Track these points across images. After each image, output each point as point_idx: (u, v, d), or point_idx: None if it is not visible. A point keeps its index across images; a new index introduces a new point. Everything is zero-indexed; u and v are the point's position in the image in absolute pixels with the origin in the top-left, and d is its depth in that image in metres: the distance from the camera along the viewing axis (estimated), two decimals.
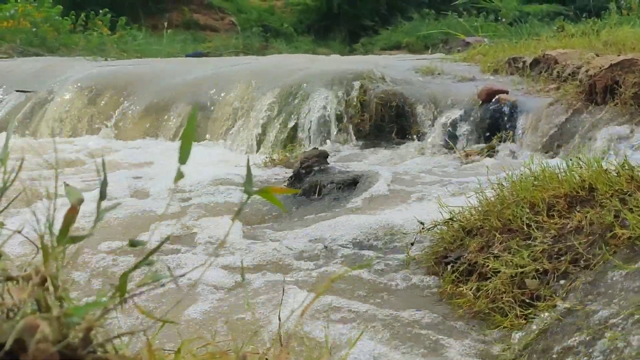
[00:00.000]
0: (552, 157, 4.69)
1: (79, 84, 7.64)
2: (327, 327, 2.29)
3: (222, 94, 6.89)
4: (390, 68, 7.16)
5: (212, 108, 6.75)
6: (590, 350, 2.07)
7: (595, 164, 2.94)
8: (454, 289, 2.75)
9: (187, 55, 12.30)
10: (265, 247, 3.30)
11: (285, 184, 4.55)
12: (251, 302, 2.50)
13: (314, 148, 5.04)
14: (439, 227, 3.18)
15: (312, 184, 4.39)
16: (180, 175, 1.03)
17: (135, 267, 1.07)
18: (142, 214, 3.96)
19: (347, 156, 5.59)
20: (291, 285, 2.73)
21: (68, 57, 11.60)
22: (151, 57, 11.21)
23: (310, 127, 5.99)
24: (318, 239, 3.44)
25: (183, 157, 1.01)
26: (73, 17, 13.81)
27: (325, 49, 16.62)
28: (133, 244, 1.15)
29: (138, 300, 1.20)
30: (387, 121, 6.03)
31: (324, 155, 4.62)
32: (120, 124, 7.02)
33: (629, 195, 2.67)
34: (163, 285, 1.07)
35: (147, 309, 2.44)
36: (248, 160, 1.24)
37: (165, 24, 14.59)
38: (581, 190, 2.81)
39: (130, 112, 7.10)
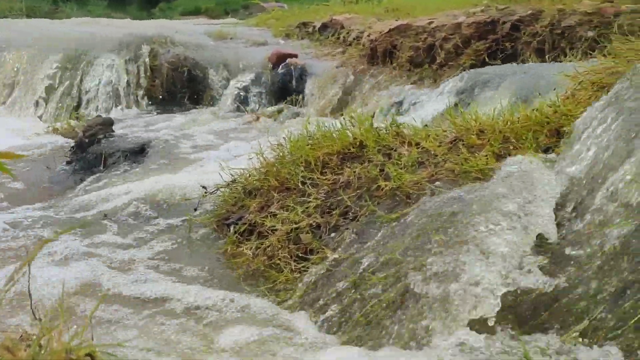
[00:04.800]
0: (338, 118, 4.90)
1: None
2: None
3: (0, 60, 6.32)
4: (183, 33, 7.02)
5: None
6: (355, 294, 2.20)
7: (366, 123, 3.10)
8: (235, 249, 2.79)
9: None
10: (38, 222, 3.10)
11: (67, 154, 4.30)
12: None
13: (98, 115, 4.81)
14: (221, 190, 3.19)
15: (97, 153, 4.20)
16: None
17: None
18: None
19: (137, 123, 5.41)
20: (48, 258, 2.60)
21: None
22: None
23: (97, 94, 5.70)
24: (99, 209, 3.30)
25: None
26: None
27: (121, 13, 15.87)
28: None
29: None
30: (180, 86, 5.93)
31: (109, 123, 4.43)
32: None
33: (394, 150, 2.86)
34: None
35: None
36: None
37: None
38: (353, 147, 2.96)
39: None
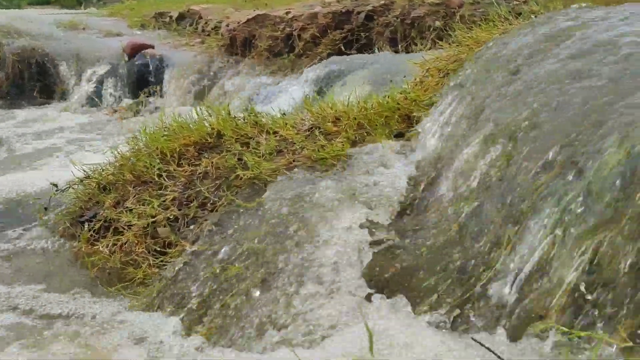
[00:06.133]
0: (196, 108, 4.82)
1: None
2: None
3: None
4: (30, 22, 6.62)
5: None
6: (214, 285, 2.18)
7: (224, 112, 3.06)
8: (90, 247, 2.67)
9: None
10: None
11: None
12: None
13: None
14: (74, 187, 3.04)
15: None
16: None
17: None
18: None
19: None
20: None
21: None
22: None
23: None
24: None
25: None
26: None
27: None
28: None
29: None
30: (28, 79, 5.59)
31: None
32: None
33: (253, 139, 2.85)
34: None
35: None
36: None
37: None
38: (210, 137, 2.91)
39: None
